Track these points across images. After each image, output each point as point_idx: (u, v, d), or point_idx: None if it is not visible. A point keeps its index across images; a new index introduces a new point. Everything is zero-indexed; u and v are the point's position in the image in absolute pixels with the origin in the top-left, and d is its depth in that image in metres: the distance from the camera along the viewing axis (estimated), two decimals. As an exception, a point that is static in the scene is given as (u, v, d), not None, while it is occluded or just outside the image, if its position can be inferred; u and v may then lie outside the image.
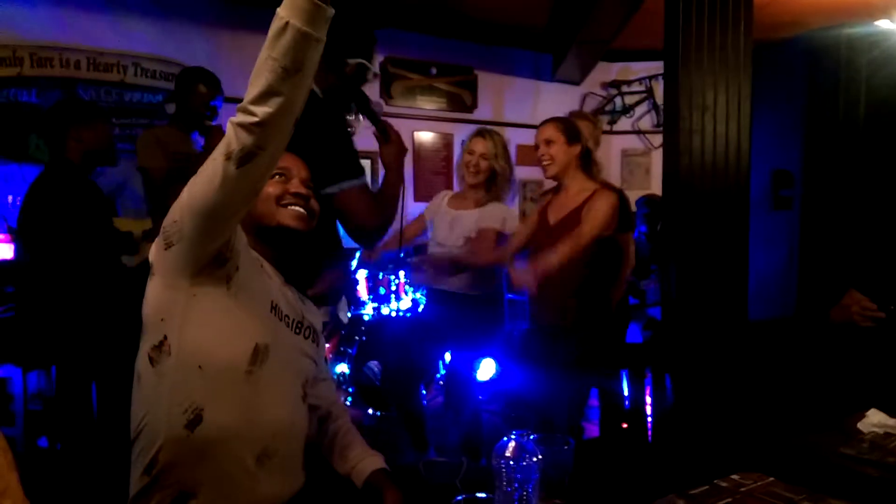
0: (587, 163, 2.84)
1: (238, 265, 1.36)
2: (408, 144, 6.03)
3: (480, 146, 3.13)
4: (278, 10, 1.14)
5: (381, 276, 4.39)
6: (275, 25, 1.13)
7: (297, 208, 1.51)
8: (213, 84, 3.17)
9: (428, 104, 5.72)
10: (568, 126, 2.81)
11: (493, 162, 3.13)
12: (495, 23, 5.56)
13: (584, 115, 3.63)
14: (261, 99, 1.15)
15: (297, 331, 1.53)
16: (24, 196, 3.03)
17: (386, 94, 5.46)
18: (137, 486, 1.35)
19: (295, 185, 1.52)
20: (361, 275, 4.41)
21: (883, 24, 3.84)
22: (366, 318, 4.28)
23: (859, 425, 1.63)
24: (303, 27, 1.12)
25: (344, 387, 4.10)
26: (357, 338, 4.12)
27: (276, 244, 1.53)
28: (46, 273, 2.89)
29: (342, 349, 4.16)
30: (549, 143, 2.79)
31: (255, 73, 1.16)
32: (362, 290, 4.42)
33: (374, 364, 4.04)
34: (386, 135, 2.20)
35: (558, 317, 2.79)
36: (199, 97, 3.13)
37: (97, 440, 2.95)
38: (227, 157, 1.19)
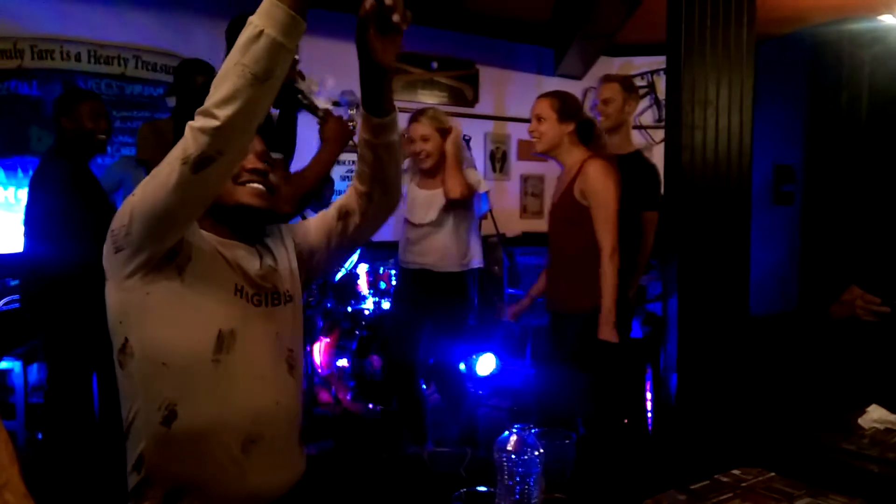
0: (586, 136, 2.79)
1: (190, 255, 1.33)
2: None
3: (420, 129, 3.10)
4: (251, 18, 1.14)
5: (381, 271, 4.39)
6: (248, 33, 1.13)
7: (256, 185, 1.44)
8: (211, 75, 3.16)
9: (429, 98, 5.70)
10: (562, 103, 2.76)
11: (435, 140, 3.09)
12: (497, 16, 5.55)
13: (616, 77, 3.55)
14: (225, 103, 1.14)
15: (275, 302, 1.46)
16: (28, 187, 3.08)
17: (387, 88, 5.45)
18: (131, 482, 1.36)
19: (251, 161, 1.44)
20: (362, 269, 4.41)
21: (886, 20, 3.82)
22: (366, 312, 4.28)
23: (860, 421, 1.63)
24: (278, 37, 1.13)
25: (345, 381, 4.10)
26: (357, 332, 4.12)
27: (236, 223, 1.46)
28: (49, 261, 2.91)
29: (342, 344, 4.17)
30: (539, 119, 2.75)
31: (220, 78, 1.16)
32: (363, 285, 4.42)
33: (374, 359, 4.04)
34: (325, 118, 2.24)
35: (557, 302, 2.80)
36: None
37: (99, 434, 2.96)
38: (184, 161, 1.17)
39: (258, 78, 1.13)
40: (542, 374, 2.91)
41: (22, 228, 3.05)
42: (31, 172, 3.11)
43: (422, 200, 3.18)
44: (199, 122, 1.16)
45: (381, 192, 1.48)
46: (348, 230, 1.53)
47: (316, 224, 1.57)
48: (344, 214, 1.53)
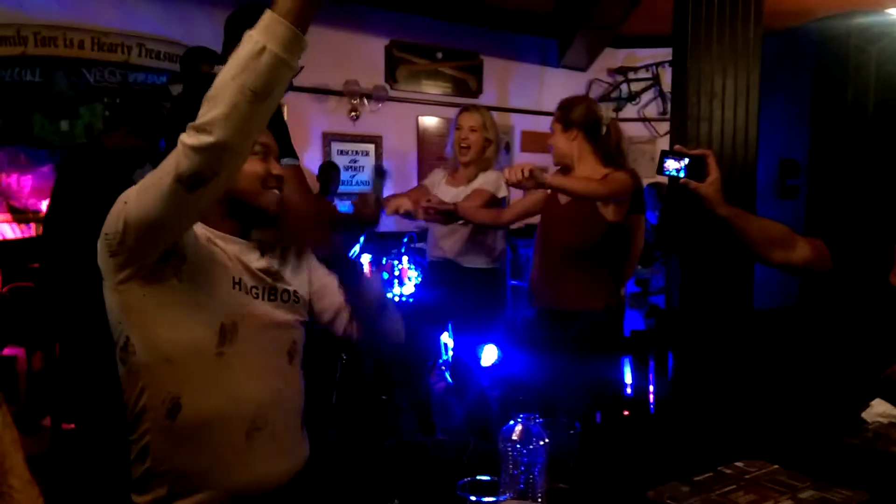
0: (597, 145, 2.74)
1: (185, 254, 1.33)
2: (412, 129, 6.07)
3: (470, 120, 3.13)
4: (251, 33, 1.10)
5: (384, 261, 4.39)
6: (248, 48, 1.09)
7: (277, 192, 1.46)
8: (216, 64, 3.16)
9: (433, 89, 5.69)
10: (562, 112, 2.74)
11: (483, 133, 3.13)
12: (502, 7, 5.53)
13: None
14: (221, 120, 1.10)
15: (272, 297, 1.47)
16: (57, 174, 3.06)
17: (391, 78, 5.44)
18: (135, 472, 1.37)
19: (275, 167, 1.46)
20: (365, 259, 4.41)
21: (893, 14, 3.80)
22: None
23: (863, 415, 1.63)
24: (281, 54, 1.09)
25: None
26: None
27: (249, 222, 1.47)
28: (69, 251, 2.91)
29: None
30: (550, 133, 2.77)
31: (216, 93, 1.11)
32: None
33: (376, 348, 4.05)
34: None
35: (556, 300, 2.79)
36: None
37: (104, 423, 2.97)
38: (178, 178, 1.14)
39: (258, 95, 1.10)
40: (545, 370, 2.91)
41: (46, 212, 3.02)
42: (33, 160, 3.10)
43: (449, 199, 3.18)
44: (192, 138, 1.12)
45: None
46: (337, 328, 1.64)
47: (331, 291, 1.61)
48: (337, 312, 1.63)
